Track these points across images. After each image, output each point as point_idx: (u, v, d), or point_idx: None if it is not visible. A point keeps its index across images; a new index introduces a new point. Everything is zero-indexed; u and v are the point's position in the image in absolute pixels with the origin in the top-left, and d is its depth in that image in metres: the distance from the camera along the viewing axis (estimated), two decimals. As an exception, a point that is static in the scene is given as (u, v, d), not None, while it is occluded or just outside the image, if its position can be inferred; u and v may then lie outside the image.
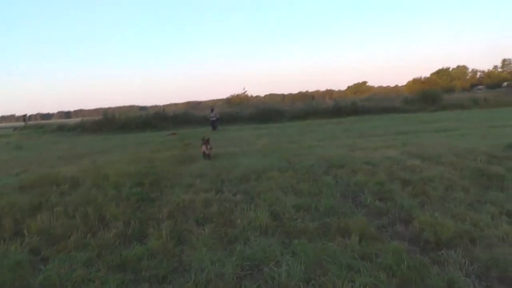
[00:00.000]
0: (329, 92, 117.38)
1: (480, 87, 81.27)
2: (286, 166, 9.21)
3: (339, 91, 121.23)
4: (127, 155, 13.84)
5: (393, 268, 3.76)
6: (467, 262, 3.88)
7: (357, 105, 37.24)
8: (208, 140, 12.21)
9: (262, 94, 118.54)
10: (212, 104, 47.85)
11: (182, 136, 22.58)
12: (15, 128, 48.35)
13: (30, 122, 57.11)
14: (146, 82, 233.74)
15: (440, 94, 42.30)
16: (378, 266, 3.84)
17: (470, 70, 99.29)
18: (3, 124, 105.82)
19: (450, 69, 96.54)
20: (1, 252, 4.90)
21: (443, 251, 4.16)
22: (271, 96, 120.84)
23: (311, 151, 11.82)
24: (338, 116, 33.05)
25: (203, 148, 12.01)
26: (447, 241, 4.41)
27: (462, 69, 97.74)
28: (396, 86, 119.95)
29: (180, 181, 8.35)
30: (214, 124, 27.91)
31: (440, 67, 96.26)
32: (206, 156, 11.84)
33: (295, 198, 6.41)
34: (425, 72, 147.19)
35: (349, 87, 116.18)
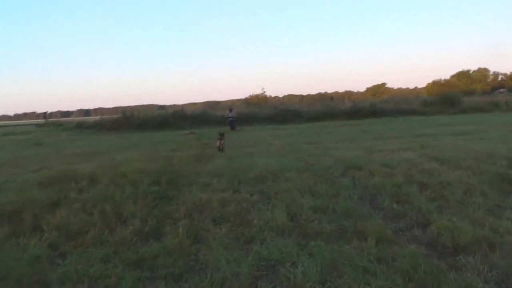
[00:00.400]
0: (348, 94, 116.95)
1: (502, 90, 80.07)
2: (304, 167, 9.19)
3: (358, 93, 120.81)
4: (145, 154, 13.95)
5: (409, 272, 3.71)
6: (485, 269, 3.80)
7: (376, 107, 36.97)
8: (223, 136, 14.27)
9: (280, 95, 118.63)
10: (230, 104, 47.76)
11: (200, 136, 22.66)
12: (37, 125, 49.08)
13: (50, 120, 57.87)
14: (165, 82, 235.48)
15: (459, 97, 41.74)
16: (395, 270, 3.80)
17: (491, 72, 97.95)
18: (25, 121, 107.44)
19: (471, 72, 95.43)
20: (21, 246, 4.98)
21: (461, 257, 4.08)
22: (290, 96, 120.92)
23: (329, 152, 11.78)
24: (356, 118, 32.84)
25: (217, 143, 14.13)
26: (465, 246, 4.33)
27: (483, 72, 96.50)
28: (416, 88, 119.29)
29: (197, 180, 8.38)
30: (233, 124, 27.93)
31: (461, 69, 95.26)
32: (220, 150, 13.80)
33: (312, 199, 6.38)
34: (445, 74, 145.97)
35: (368, 89, 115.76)
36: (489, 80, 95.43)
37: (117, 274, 4.06)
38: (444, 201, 6.10)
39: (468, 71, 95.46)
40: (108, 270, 4.17)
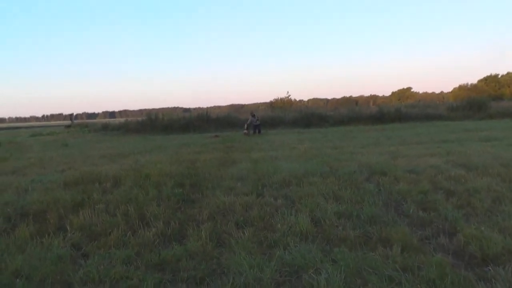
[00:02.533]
0: (373, 98, 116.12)
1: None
2: (328, 172, 9.10)
3: (383, 97, 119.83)
4: (169, 156, 14.00)
5: (436, 282, 3.60)
6: (518, 281, 3.66)
7: (401, 112, 36.50)
8: (247, 126, 25.47)
9: (305, 99, 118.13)
10: (255, 108, 47.70)
11: (224, 139, 22.69)
12: (64, 126, 50.03)
13: (76, 121, 58.79)
14: (190, 85, 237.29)
15: (487, 102, 40.88)
16: (421, 280, 3.70)
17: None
18: (52, 123, 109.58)
19: (499, 76, 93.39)
20: (45, 246, 5.04)
21: (489, 267, 3.96)
22: (315, 100, 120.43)
23: (353, 157, 11.66)
24: (381, 123, 32.51)
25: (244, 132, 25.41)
26: (495, 256, 4.19)
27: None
28: (442, 92, 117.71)
29: (221, 183, 8.37)
30: (258, 127, 27.93)
31: (489, 74, 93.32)
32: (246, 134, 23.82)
33: (336, 205, 6.29)
34: (472, 78, 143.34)
35: (393, 93, 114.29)
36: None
37: (139, 276, 4.07)
38: (471, 209, 5.96)
39: (496, 75, 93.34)
40: (130, 272, 4.18)
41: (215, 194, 7.40)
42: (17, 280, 4.08)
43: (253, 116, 28.83)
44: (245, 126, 26.56)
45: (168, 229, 5.53)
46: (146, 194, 7.39)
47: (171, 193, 7.49)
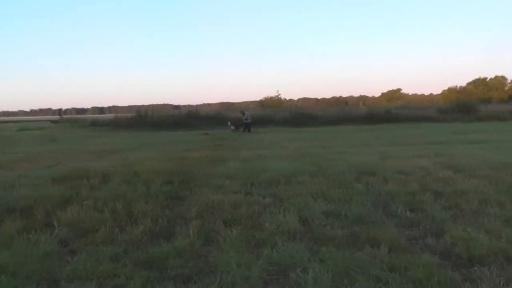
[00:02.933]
0: (363, 98, 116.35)
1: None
2: (317, 171, 9.13)
3: (373, 98, 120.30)
4: (158, 153, 13.98)
5: (423, 282, 3.60)
6: (502, 282, 3.66)
7: (391, 113, 36.82)
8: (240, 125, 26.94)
9: (295, 98, 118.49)
10: (245, 107, 47.73)
11: (214, 137, 22.67)
12: (52, 121, 49.74)
13: (65, 116, 58.52)
14: (180, 82, 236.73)
15: (476, 105, 41.40)
16: (408, 280, 3.69)
17: (509, 80, 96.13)
18: (40, 117, 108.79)
19: (488, 79, 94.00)
20: (32, 242, 4.96)
21: (475, 268, 3.96)
22: (305, 100, 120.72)
23: (343, 157, 11.70)
24: (371, 123, 32.67)
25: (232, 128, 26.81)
26: (481, 257, 4.19)
27: (500, 80, 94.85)
28: (431, 94, 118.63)
29: (209, 181, 8.36)
30: (249, 126, 27.94)
31: (478, 77, 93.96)
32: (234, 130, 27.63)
33: (325, 204, 6.30)
34: (461, 81, 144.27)
35: (383, 94, 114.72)
36: (506, 88, 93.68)
37: (126, 274, 4.02)
38: (458, 210, 5.98)
39: (485, 78, 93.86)
40: (117, 269, 4.12)
41: (203, 192, 7.39)
42: (2, 276, 4.03)
43: (243, 114, 28.89)
44: (237, 124, 29.18)
45: (156, 226, 5.49)
46: (135, 191, 7.35)
47: (159, 190, 7.46)
